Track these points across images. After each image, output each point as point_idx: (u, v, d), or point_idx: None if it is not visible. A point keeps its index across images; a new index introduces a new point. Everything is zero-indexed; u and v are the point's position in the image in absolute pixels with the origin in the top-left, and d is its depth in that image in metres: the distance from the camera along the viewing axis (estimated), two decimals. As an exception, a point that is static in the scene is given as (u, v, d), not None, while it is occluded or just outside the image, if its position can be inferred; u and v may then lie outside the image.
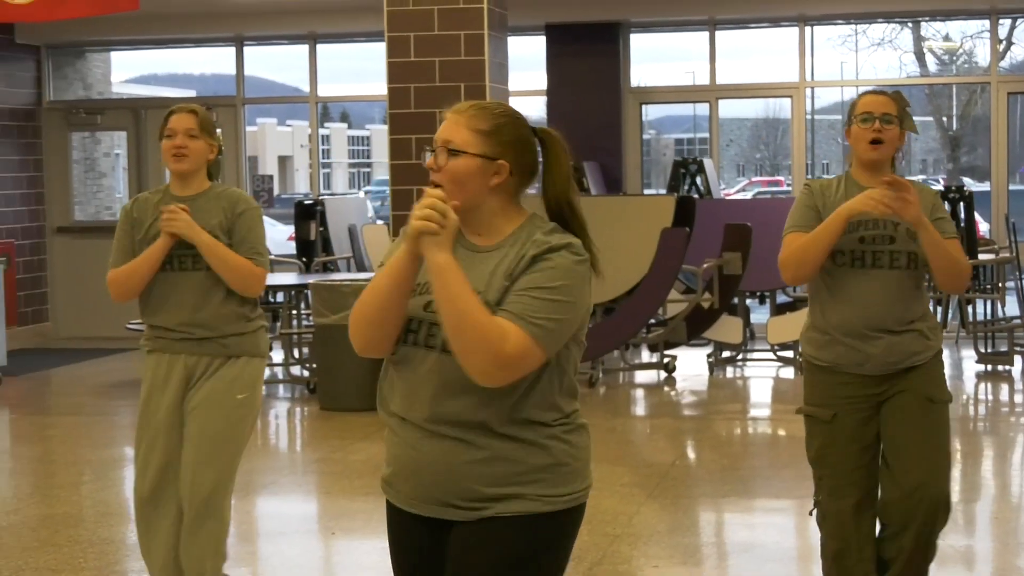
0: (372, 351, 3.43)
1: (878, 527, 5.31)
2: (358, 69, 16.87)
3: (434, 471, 3.42)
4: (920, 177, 27.79)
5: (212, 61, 17.87)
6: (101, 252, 15.91)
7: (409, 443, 3.46)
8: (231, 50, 16.61)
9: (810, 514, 5.46)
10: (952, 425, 5.36)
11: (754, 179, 27.69)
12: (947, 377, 5.35)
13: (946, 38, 23.44)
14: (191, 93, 19.05)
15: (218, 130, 5.87)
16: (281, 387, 12.68)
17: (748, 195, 22.82)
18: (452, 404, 3.39)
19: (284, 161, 31.88)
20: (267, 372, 8.93)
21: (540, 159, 3.54)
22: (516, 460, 3.43)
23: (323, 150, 33.10)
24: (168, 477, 5.71)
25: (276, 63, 17.65)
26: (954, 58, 23.99)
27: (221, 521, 5.82)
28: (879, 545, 5.27)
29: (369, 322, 3.38)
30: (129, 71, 18.77)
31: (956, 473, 7.76)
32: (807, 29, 16.17)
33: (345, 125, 36.05)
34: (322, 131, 32.15)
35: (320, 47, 16.40)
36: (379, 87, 11.15)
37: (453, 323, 3.25)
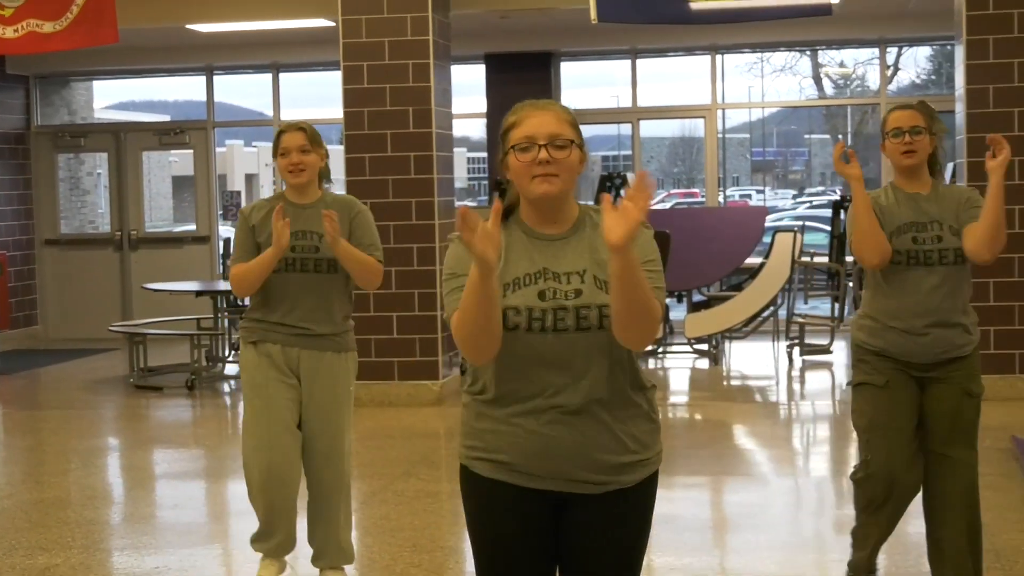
0: (488, 356, 3.27)
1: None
2: (317, 95, 16.82)
3: (566, 449, 3.32)
4: (820, 188, 28.01)
5: (184, 88, 17.75)
6: (85, 261, 16.03)
7: (534, 427, 3.33)
8: (202, 79, 16.52)
9: (852, 477, 5.36)
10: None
11: (672, 191, 27.72)
12: (828, 367, 5.35)
13: (841, 64, 23.56)
14: (166, 118, 18.94)
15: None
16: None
17: (667, 205, 22.81)
18: (586, 383, 3.30)
19: (251, 178, 31.64)
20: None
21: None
22: (638, 426, 3.46)
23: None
24: (284, 453, 5.67)
25: (242, 90, 17.51)
26: (848, 82, 24.11)
27: (349, 497, 5.89)
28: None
29: (481, 333, 3.20)
30: (109, 98, 18.60)
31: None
32: (718, 57, 16.25)
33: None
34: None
35: (282, 75, 16.36)
36: (336, 111, 11.10)
37: (639, 305, 3.16)
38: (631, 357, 3.38)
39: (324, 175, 5.83)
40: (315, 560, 5.88)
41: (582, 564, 3.43)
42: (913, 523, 5.65)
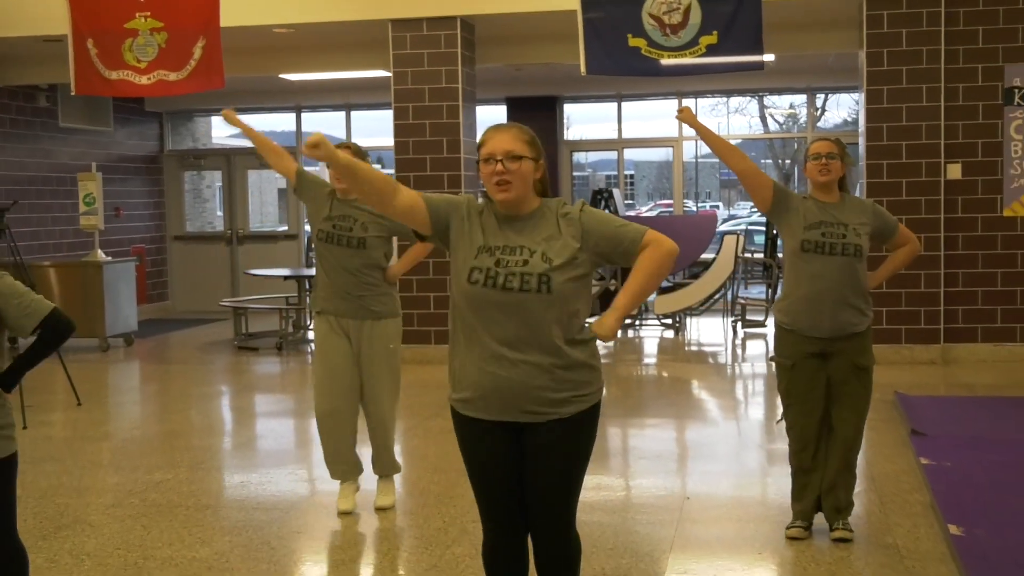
0: (387, 209, 3.40)
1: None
2: (377, 128, 16.91)
3: (514, 386, 3.30)
4: (749, 204, 27.90)
5: (279, 122, 17.79)
6: (203, 252, 16.21)
7: (490, 368, 3.30)
8: (292, 115, 16.64)
9: (777, 423, 5.35)
10: (774, 366, 5.33)
11: (659, 202, 27.73)
12: (762, 338, 5.38)
13: (791, 106, 23.57)
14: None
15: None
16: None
17: (655, 212, 22.77)
18: (530, 334, 3.28)
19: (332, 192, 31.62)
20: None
21: None
22: (574, 370, 3.35)
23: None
24: (342, 400, 5.70)
25: (323, 124, 17.53)
26: (787, 120, 24.10)
27: (390, 431, 5.89)
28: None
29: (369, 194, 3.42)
30: (223, 129, 18.62)
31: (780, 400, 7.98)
32: (683, 101, 16.24)
33: (380, 165, 36.00)
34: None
35: (353, 112, 16.47)
36: (390, 140, 11.20)
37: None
38: (570, 315, 3.32)
39: None
40: (374, 469, 5.94)
41: (532, 481, 3.42)
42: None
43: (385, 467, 5.94)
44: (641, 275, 3.32)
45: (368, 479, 5.98)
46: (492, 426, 3.39)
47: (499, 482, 3.44)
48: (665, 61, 9.63)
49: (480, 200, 3.47)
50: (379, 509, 5.83)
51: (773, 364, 5.42)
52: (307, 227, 16.39)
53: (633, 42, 9.56)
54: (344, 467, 5.84)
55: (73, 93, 10.38)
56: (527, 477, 3.43)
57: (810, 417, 5.17)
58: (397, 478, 6.42)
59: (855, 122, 17.71)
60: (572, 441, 3.42)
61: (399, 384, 5.87)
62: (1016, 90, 10.28)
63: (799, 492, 5.29)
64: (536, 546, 3.50)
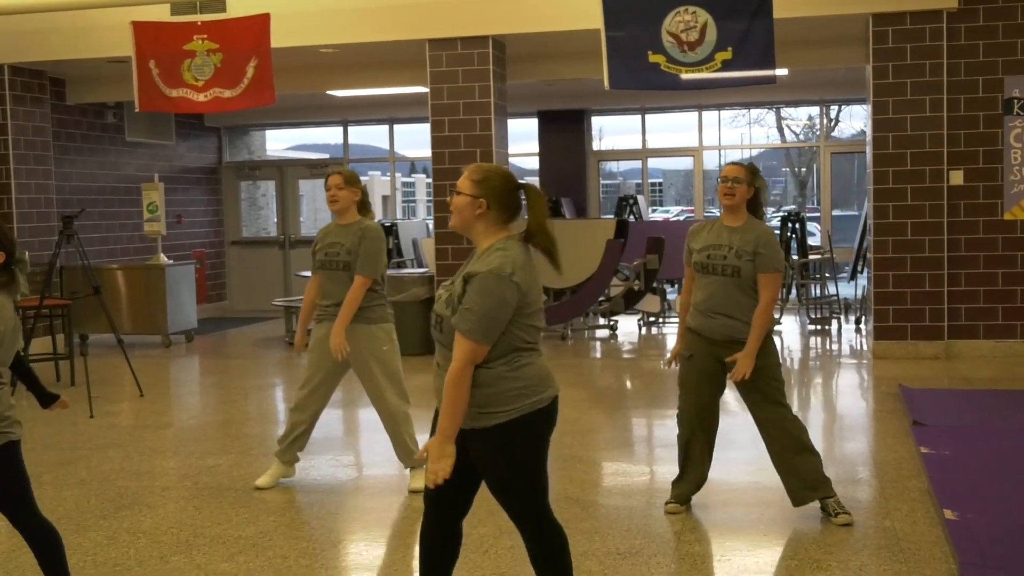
0: None
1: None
2: (416, 140, 17.13)
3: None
4: (771, 209, 27.79)
5: (328, 135, 17.93)
6: (259, 256, 16.33)
7: (439, 384, 3.39)
8: (339, 128, 16.75)
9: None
10: (791, 360, 5.33)
11: (685, 208, 27.77)
12: (778, 335, 5.35)
13: (809, 118, 23.54)
14: (319, 155, 19.16)
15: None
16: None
17: (681, 218, 22.75)
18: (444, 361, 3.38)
19: (385, 199, 31.75)
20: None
21: (524, 202, 3.48)
22: (493, 386, 3.35)
23: (408, 192, 33.10)
24: (321, 396, 5.93)
25: (368, 136, 17.71)
26: (801, 130, 24.02)
27: (406, 422, 5.93)
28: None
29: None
30: (277, 142, 18.83)
31: (795, 392, 7.92)
32: (703, 113, 16.22)
33: (425, 175, 36.19)
34: (409, 179, 32.17)
35: (396, 126, 16.56)
36: (428, 151, 11.26)
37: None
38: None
39: (364, 206, 5.89)
40: (400, 459, 6.02)
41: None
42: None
43: (404, 458, 5.99)
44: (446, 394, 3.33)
45: (361, 470, 6.00)
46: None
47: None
48: (683, 76, 9.64)
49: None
50: (413, 492, 5.87)
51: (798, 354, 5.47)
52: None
53: (653, 58, 9.57)
54: (297, 451, 6.04)
55: (137, 110, 10.53)
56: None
57: (696, 403, 5.28)
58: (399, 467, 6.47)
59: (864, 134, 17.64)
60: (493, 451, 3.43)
61: (402, 383, 5.91)
62: (1015, 100, 10.19)
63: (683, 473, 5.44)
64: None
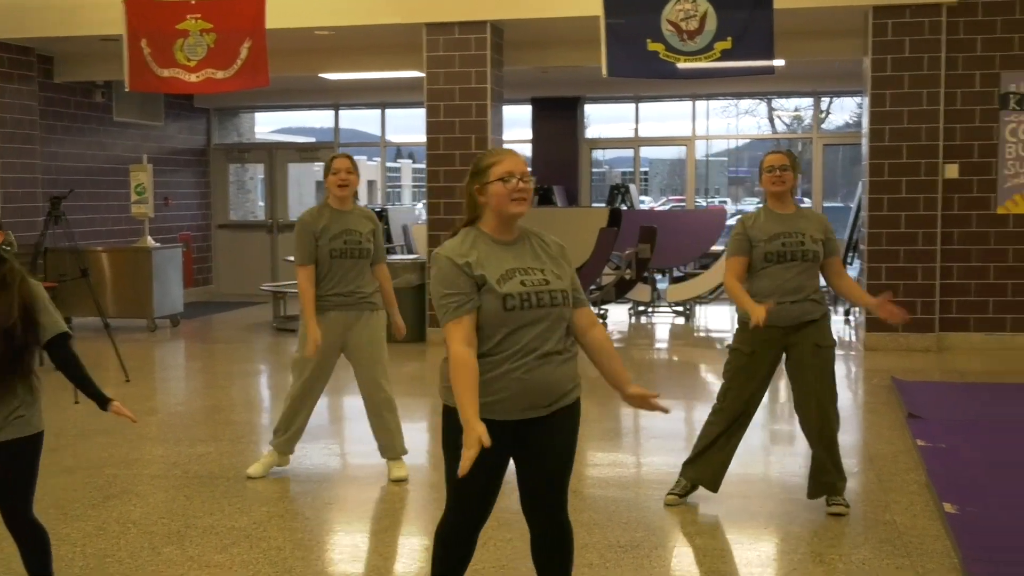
0: None
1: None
2: (410, 125, 16.91)
3: (540, 386, 3.29)
4: (756, 200, 27.81)
5: (318, 119, 17.77)
6: (246, 240, 16.20)
7: (519, 373, 3.24)
8: (331, 112, 16.62)
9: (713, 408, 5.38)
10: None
11: (671, 197, 27.73)
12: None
13: (795, 109, 23.50)
14: (309, 139, 19.03)
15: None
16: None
17: (667, 207, 22.71)
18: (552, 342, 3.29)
19: (371, 183, 31.66)
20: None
21: None
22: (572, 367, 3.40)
23: (393, 178, 32.94)
24: (320, 383, 5.81)
25: (360, 120, 17.54)
26: (793, 121, 24.00)
27: (397, 409, 5.92)
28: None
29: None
30: (266, 125, 18.66)
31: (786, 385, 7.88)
32: (696, 103, 16.16)
33: (411, 160, 36.08)
34: (394, 164, 32.00)
35: (388, 110, 16.43)
36: (422, 136, 11.16)
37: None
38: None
39: (355, 194, 5.83)
40: (387, 454, 5.92)
41: (539, 469, 3.40)
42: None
43: (399, 448, 5.90)
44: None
45: (356, 459, 5.95)
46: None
47: (495, 478, 3.35)
48: (682, 65, 9.55)
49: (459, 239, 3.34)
50: (397, 480, 5.81)
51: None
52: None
53: (652, 46, 9.48)
54: (294, 443, 5.93)
55: (127, 89, 10.38)
56: (533, 467, 3.38)
57: (740, 405, 5.25)
58: (425, 452, 6.41)
59: (856, 124, 17.59)
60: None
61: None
62: (1012, 95, 10.16)
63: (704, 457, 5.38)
64: (538, 533, 3.43)
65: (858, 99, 16.48)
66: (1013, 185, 10.21)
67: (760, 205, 5.36)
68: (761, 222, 5.18)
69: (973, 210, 10.25)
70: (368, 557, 4.72)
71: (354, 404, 8.06)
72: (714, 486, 5.34)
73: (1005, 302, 10.28)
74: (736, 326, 5.35)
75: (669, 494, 5.38)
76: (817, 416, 5.16)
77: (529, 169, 3.34)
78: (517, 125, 15.93)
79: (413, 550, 4.81)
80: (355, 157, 6.05)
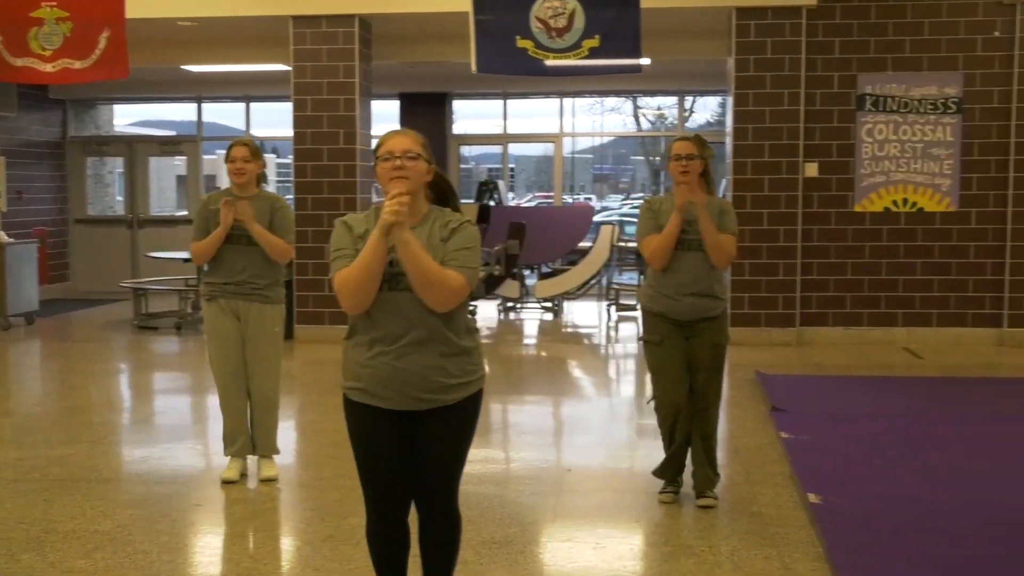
0: (361, 308, 3.23)
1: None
2: (276, 119, 16.48)
3: (410, 375, 3.27)
4: (640, 193, 28.26)
5: (181, 111, 17.29)
6: (105, 235, 15.72)
7: (389, 359, 3.26)
8: (193, 105, 16.20)
9: (648, 403, 5.33)
10: (640, 345, 5.36)
11: (537, 194, 27.85)
12: (633, 320, 5.39)
13: (658, 108, 23.85)
14: (170, 133, 18.54)
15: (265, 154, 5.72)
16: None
17: (533, 203, 22.84)
18: (423, 326, 3.25)
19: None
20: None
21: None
22: (464, 359, 3.39)
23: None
24: (235, 380, 5.63)
25: (223, 114, 17.13)
26: (658, 119, 24.38)
27: (277, 408, 5.81)
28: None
29: (360, 288, 3.18)
30: (126, 117, 18.08)
31: (647, 379, 7.99)
32: (564, 100, 16.28)
33: (275, 155, 35.54)
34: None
35: (252, 104, 16.10)
36: (289, 131, 10.98)
37: (419, 274, 3.14)
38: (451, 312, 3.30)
39: (262, 178, 5.72)
40: (258, 451, 5.82)
41: (424, 465, 3.44)
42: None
43: (272, 446, 5.81)
44: (425, 262, 3.18)
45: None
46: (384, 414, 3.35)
47: (394, 467, 3.40)
48: (550, 62, 9.62)
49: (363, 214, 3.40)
50: (267, 480, 5.71)
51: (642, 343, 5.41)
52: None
53: (521, 43, 9.52)
54: (243, 441, 5.72)
55: (-23, 78, 9.95)
56: (419, 461, 3.42)
57: (676, 387, 5.19)
58: (294, 451, 6.31)
59: (719, 123, 18.04)
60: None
61: (280, 367, 5.79)
62: (868, 97, 10.52)
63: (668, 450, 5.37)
64: (425, 526, 3.50)
65: (720, 98, 16.87)
66: (869, 184, 10.57)
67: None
68: (668, 207, 5.13)
69: (832, 208, 10.58)
70: (239, 559, 4.62)
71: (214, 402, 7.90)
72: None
73: (862, 297, 10.64)
74: (641, 317, 5.36)
75: (663, 492, 5.37)
76: (702, 415, 5.24)
77: (420, 151, 3.30)
78: (385, 120, 15.77)
79: (285, 551, 4.73)
80: (217, 152, 5.92)
